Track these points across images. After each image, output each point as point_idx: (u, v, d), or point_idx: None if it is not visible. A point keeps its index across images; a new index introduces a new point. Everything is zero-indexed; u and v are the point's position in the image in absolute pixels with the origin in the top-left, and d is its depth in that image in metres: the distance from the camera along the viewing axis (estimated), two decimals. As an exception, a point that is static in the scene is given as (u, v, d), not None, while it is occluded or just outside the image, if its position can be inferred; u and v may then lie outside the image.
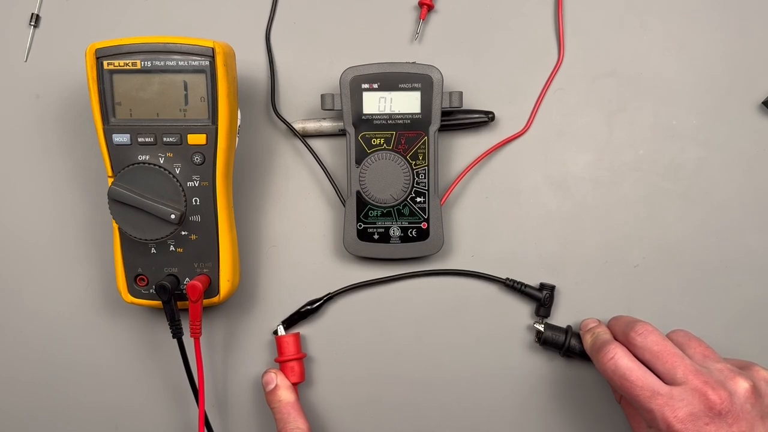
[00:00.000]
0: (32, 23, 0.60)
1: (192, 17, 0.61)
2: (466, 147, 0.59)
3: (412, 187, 0.56)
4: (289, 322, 0.57)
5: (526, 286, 0.57)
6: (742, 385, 0.45)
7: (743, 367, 0.48)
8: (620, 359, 0.47)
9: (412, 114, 0.55)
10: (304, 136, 0.58)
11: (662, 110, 0.59)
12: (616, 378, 0.46)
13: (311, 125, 0.58)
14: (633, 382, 0.46)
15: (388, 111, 0.55)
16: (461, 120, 0.58)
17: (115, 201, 0.51)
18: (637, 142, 0.59)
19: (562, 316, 0.58)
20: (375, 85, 0.55)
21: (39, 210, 0.59)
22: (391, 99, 0.55)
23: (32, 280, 0.59)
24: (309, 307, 0.57)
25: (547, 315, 0.57)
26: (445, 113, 0.57)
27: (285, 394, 0.53)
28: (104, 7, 0.61)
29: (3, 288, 0.59)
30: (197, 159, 0.51)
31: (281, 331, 0.57)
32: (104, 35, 0.59)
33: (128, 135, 0.51)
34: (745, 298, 0.58)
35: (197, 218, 0.52)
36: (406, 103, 0.55)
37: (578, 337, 0.55)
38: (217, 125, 0.51)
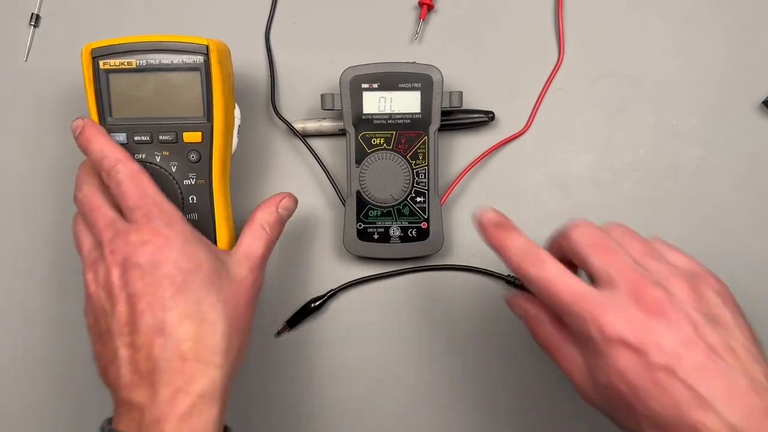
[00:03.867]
0: (32, 23, 0.58)
1: (192, 17, 0.59)
2: (466, 147, 0.57)
3: (412, 186, 0.53)
4: (293, 321, 0.55)
5: (527, 284, 0.55)
6: (681, 288, 0.37)
7: (693, 274, 0.40)
8: (547, 266, 0.39)
9: (412, 114, 0.53)
10: (304, 136, 0.56)
11: (662, 110, 0.56)
12: (542, 284, 0.39)
13: (311, 125, 0.56)
14: (562, 287, 0.38)
15: (388, 111, 0.53)
16: (461, 120, 0.56)
17: None
18: (637, 142, 0.56)
19: (562, 316, 0.55)
20: (375, 85, 0.53)
21: (38, 211, 0.57)
22: (391, 99, 0.53)
23: (32, 281, 0.57)
24: (312, 305, 0.55)
25: (546, 315, 0.55)
26: (445, 113, 0.55)
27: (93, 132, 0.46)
28: (104, 7, 0.59)
29: (2, 288, 0.57)
30: (193, 157, 0.48)
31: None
32: (104, 35, 0.57)
33: (124, 134, 0.48)
34: (745, 298, 0.55)
35: (194, 216, 0.49)
36: (406, 102, 0.53)
37: None
38: (212, 122, 0.48)
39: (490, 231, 0.42)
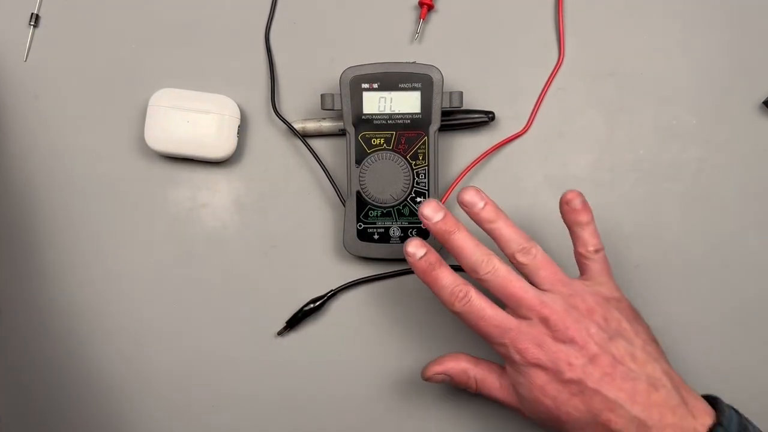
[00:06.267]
0: (32, 23, 0.57)
1: (192, 18, 0.58)
2: (466, 147, 0.55)
3: (412, 187, 0.53)
4: (293, 321, 0.54)
5: (526, 284, 0.54)
6: (586, 309, 0.44)
7: (594, 293, 0.45)
8: (474, 301, 0.44)
9: (412, 114, 0.52)
10: (304, 136, 0.55)
11: (662, 110, 0.55)
12: (471, 318, 0.44)
13: (311, 125, 0.55)
14: (488, 320, 0.44)
15: (388, 111, 0.52)
16: (461, 120, 0.55)
17: None
18: (637, 142, 0.55)
19: (562, 316, 0.54)
20: (375, 85, 0.52)
21: (37, 211, 0.56)
22: (391, 99, 0.52)
23: (30, 284, 0.56)
24: (312, 305, 0.54)
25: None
26: (445, 113, 0.53)
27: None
28: (104, 7, 0.57)
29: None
30: None
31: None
32: (103, 35, 0.57)
33: None
34: (745, 298, 0.54)
35: None
36: (406, 102, 0.52)
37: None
38: None
39: (422, 268, 0.45)
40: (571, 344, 0.42)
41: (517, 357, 0.43)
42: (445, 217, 0.45)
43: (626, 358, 0.42)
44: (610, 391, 0.41)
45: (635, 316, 0.46)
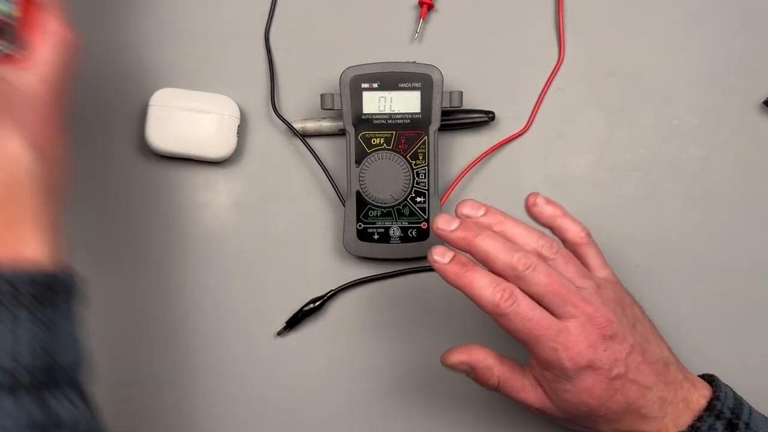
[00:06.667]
0: (32, 23, 0.57)
1: (191, 17, 0.58)
2: (466, 147, 0.55)
3: (412, 187, 0.53)
4: (293, 321, 0.54)
5: (527, 284, 0.54)
6: (612, 298, 0.42)
7: (609, 280, 0.45)
8: (521, 302, 0.40)
9: (412, 114, 0.52)
10: (304, 136, 0.55)
11: (663, 110, 0.55)
12: (518, 320, 0.40)
13: (311, 125, 0.55)
14: (537, 322, 0.40)
15: (388, 111, 0.52)
16: (461, 120, 0.55)
17: None
18: (637, 142, 0.55)
19: (562, 316, 0.54)
20: (375, 85, 0.52)
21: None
22: (391, 99, 0.52)
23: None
24: (312, 305, 0.54)
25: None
26: (445, 113, 0.53)
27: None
28: (104, 7, 0.57)
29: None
30: None
31: None
32: (103, 35, 0.57)
33: None
34: (745, 299, 0.54)
35: None
36: (406, 102, 0.52)
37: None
38: None
39: (455, 272, 0.41)
40: (615, 339, 0.40)
41: (567, 363, 0.40)
42: (462, 222, 0.41)
43: (645, 343, 0.42)
44: (643, 378, 0.41)
45: (633, 297, 0.46)
